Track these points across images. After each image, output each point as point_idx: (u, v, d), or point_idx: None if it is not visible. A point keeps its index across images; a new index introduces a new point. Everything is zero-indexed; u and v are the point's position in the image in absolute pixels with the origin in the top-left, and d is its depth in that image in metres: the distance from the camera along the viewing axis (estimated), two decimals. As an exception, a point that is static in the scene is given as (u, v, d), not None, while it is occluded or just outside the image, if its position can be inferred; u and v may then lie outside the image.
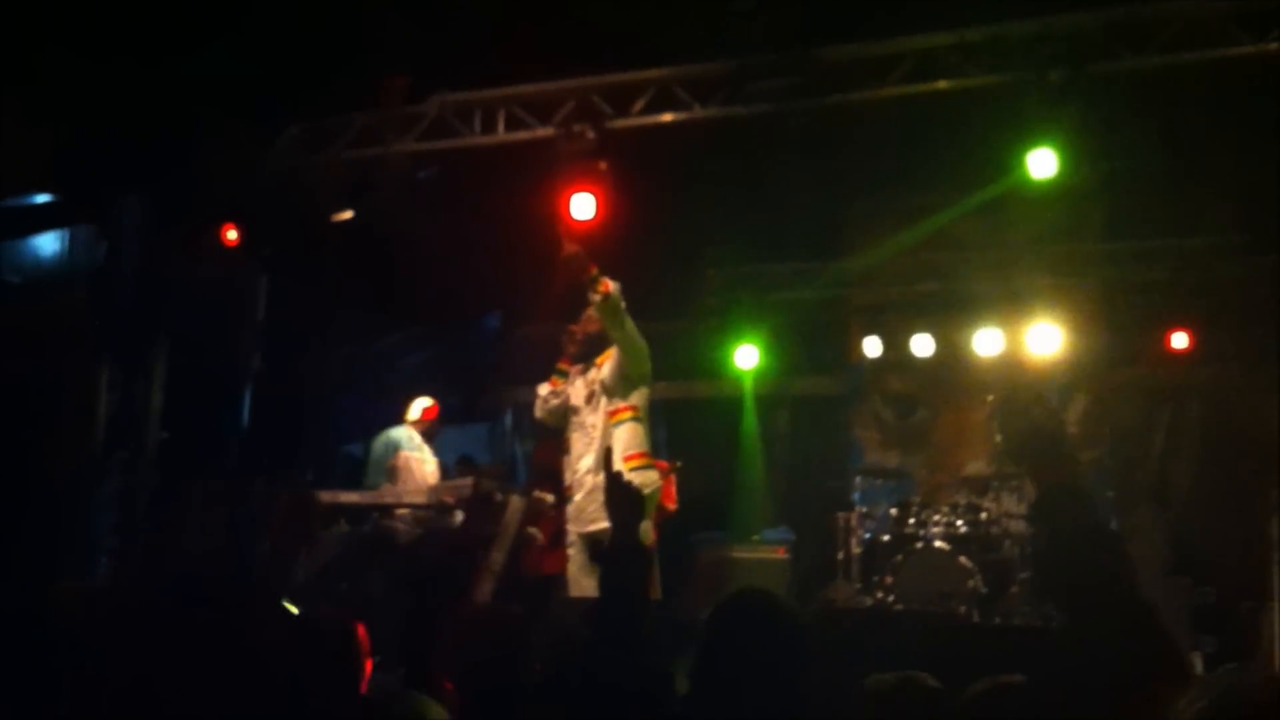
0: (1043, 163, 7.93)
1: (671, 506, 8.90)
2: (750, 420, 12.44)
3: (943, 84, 8.14)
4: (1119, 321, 11.72)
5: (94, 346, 8.97)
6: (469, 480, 8.47)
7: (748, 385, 12.29)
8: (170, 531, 9.29)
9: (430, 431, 9.64)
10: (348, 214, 9.30)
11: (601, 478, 6.58)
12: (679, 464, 9.25)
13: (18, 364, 8.61)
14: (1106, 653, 2.29)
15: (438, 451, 10.02)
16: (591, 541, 6.89)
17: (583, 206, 8.29)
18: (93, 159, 8.87)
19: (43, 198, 9.35)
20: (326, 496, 8.39)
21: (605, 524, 6.05)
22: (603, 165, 8.47)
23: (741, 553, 9.72)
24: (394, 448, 9.45)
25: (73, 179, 8.92)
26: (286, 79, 9.01)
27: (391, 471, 9.34)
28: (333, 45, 8.68)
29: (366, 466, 9.77)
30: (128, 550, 8.78)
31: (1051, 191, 9.44)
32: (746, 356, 11.84)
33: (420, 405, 9.62)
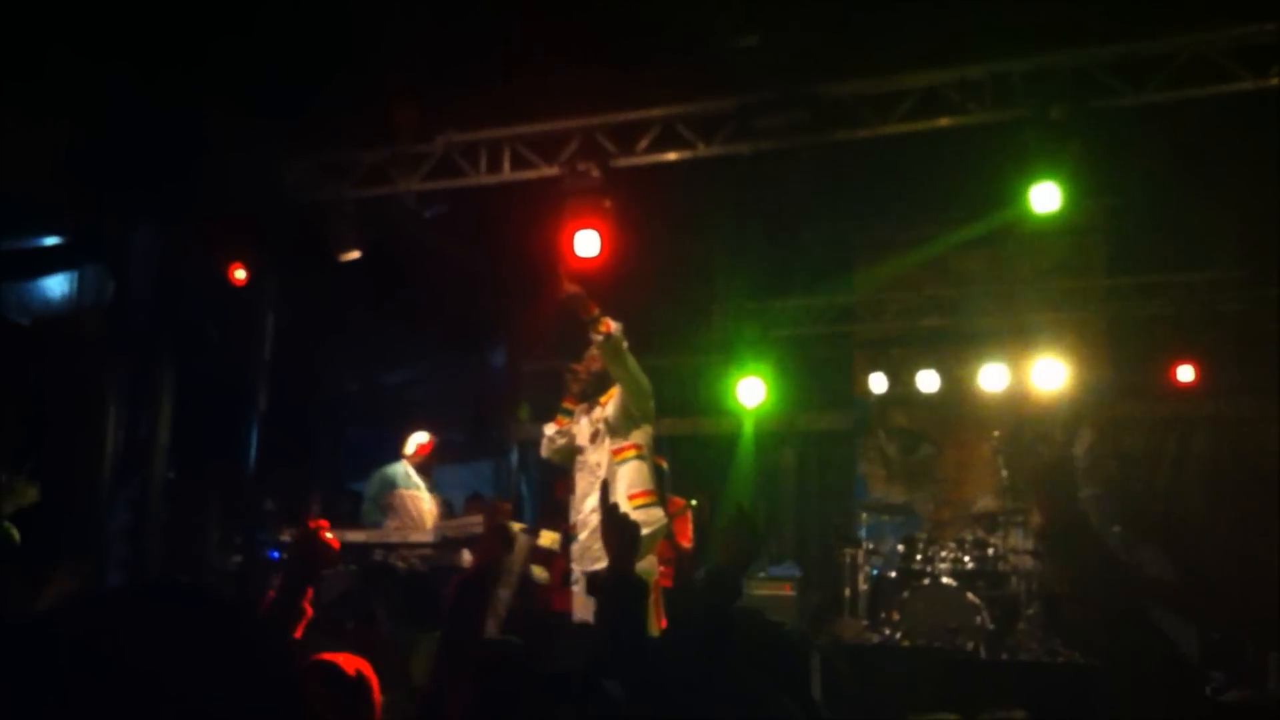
0: (1045, 197, 7.96)
1: (687, 545, 8.91)
2: (755, 456, 12.45)
3: (945, 121, 8.19)
4: (1123, 355, 11.75)
5: (101, 382, 9.00)
6: (477, 518, 8.45)
7: (753, 421, 12.31)
8: (182, 565, 9.32)
9: (426, 466, 9.57)
10: (355, 254, 9.34)
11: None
12: (694, 502, 9.27)
13: (24, 403, 8.65)
14: (1128, 685, 2.31)
15: (441, 487, 10.00)
16: (594, 579, 6.89)
17: (587, 244, 8.32)
18: (102, 198, 8.94)
19: (51, 240, 9.41)
20: (332, 534, 8.39)
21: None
22: (607, 203, 8.51)
23: (748, 588, 9.68)
24: (390, 485, 9.41)
25: (82, 219, 8.98)
26: (295, 116, 9.09)
27: (388, 509, 9.30)
28: (341, 83, 8.76)
29: (363, 504, 9.76)
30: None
31: (1055, 226, 9.50)
32: (751, 392, 11.85)
33: (415, 441, 9.58)
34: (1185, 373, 11.22)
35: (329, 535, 3.20)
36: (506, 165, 9.10)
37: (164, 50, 8.28)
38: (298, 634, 3.08)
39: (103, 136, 8.59)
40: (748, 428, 12.29)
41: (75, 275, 9.37)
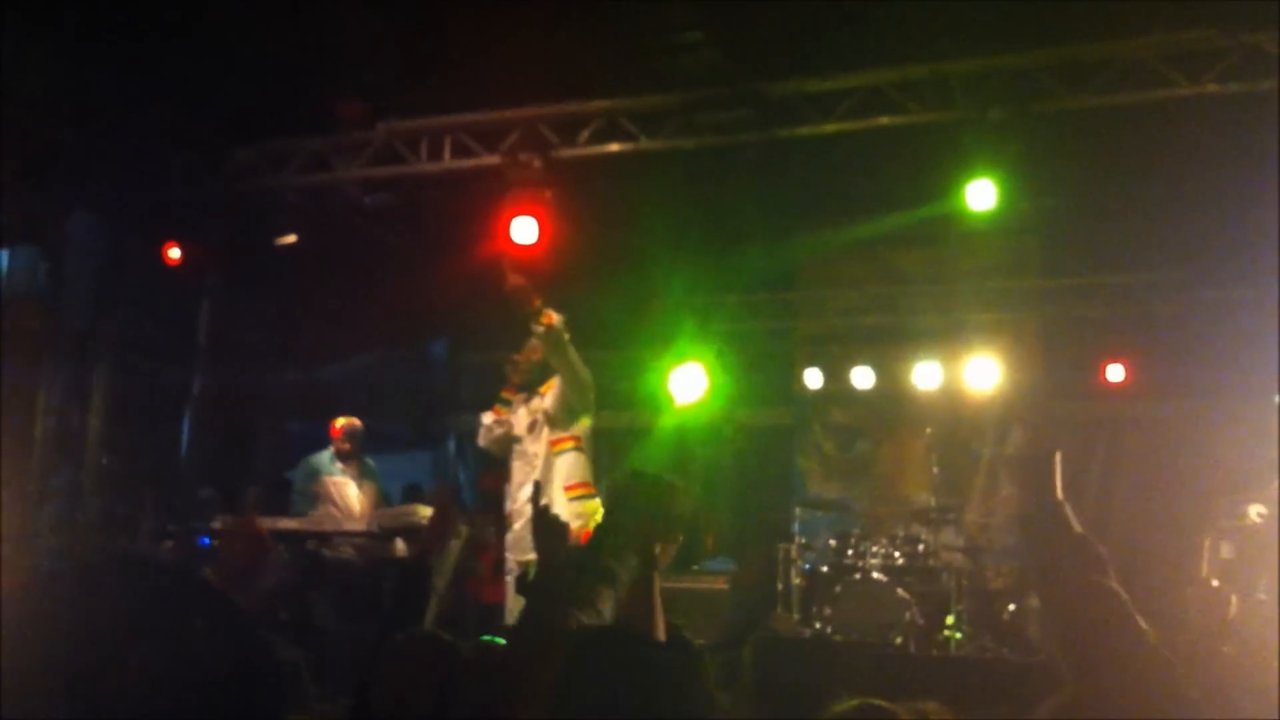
0: (982, 195, 8.05)
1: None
2: (694, 451, 12.47)
3: (885, 120, 8.25)
4: (1056, 356, 11.91)
5: (32, 369, 8.87)
6: (412, 508, 8.43)
7: (691, 415, 12.32)
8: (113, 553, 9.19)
9: (351, 452, 9.52)
10: (292, 238, 9.27)
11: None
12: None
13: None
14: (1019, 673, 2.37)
15: (379, 476, 9.95)
16: (523, 579, 6.91)
17: (524, 230, 8.32)
18: (37, 178, 8.80)
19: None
20: (267, 523, 8.34)
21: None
22: (549, 194, 8.51)
23: (681, 583, 9.72)
24: (315, 473, 9.35)
25: (16, 198, 8.84)
26: (237, 101, 9.00)
27: (315, 497, 9.25)
28: (282, 69, 8.68)
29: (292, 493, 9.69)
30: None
31: (992, 227, 9.60)
32: (685, 386, 11.85)
33: (338, 426, 9.54)
34: (1115, 372, 11.38)
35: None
36: (448, 154, 9.05)
37: (106, 36, 8.17)
38: None
39: (43, 121, 8.47)
40: (691, 421, 12.30)
41: (9, 255, 9.21)
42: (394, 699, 2.88)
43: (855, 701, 2.38)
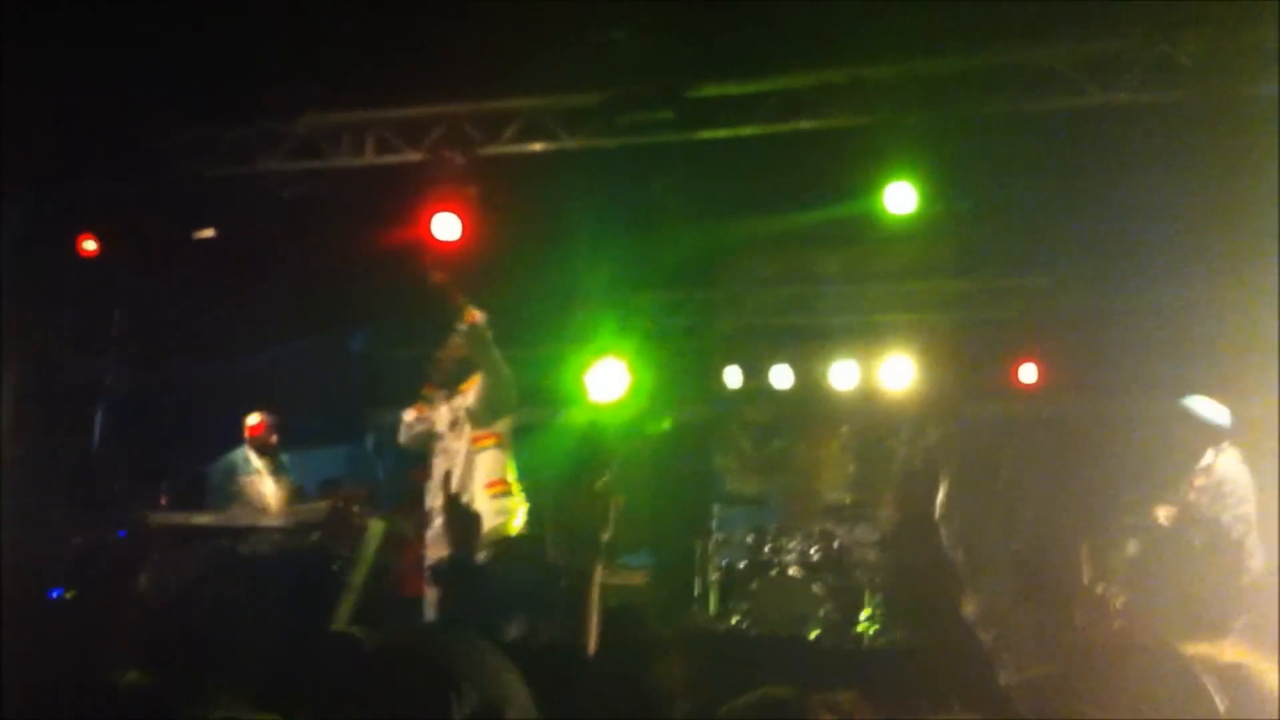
0: (900, 198, 8.19)
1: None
2: (612, 446, 12.51)
3: (805, 123, 8.35)
4: (970, 356, 12.08)
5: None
6: (327, 502, 8.42)
7: (610, 412, 12.36)
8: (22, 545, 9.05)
9: (265, 448, 9.47)
10: (210, 232, 9.19)
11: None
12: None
13: None
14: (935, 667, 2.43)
15: (296, 473, 9.89)
16: (435, 568, 6.93)
17: (446, 227, 8.33)
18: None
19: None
20: (180, 519, 8.28)
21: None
22: (472, 190, 8.52)
23: (604, 578, 9.76)
24: (231, 471, 9.30)
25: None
26: (155, 89, 8.88)
27: (231, 496, 9.19)
28: (202, 57, 8.58)
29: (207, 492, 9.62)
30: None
31: (907, 229, 9.74)
32: (603, 383, 11.90)
33: (249, 422, 9.49)
34: (1028, 373, 11.57)
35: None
36: (370, 149, 9.03)
37: (17, 17, 8.03)
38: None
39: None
40: (612, 418, 12.34)
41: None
42: (306, 696, 2.90)
43: (760, 691, 2.42)
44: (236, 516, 8.78)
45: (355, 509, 8.15)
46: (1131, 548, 9.15)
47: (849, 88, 8.23)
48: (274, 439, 9.50)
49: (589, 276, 11.51)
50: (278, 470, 9.48)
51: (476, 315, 6.95)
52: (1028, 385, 11.58)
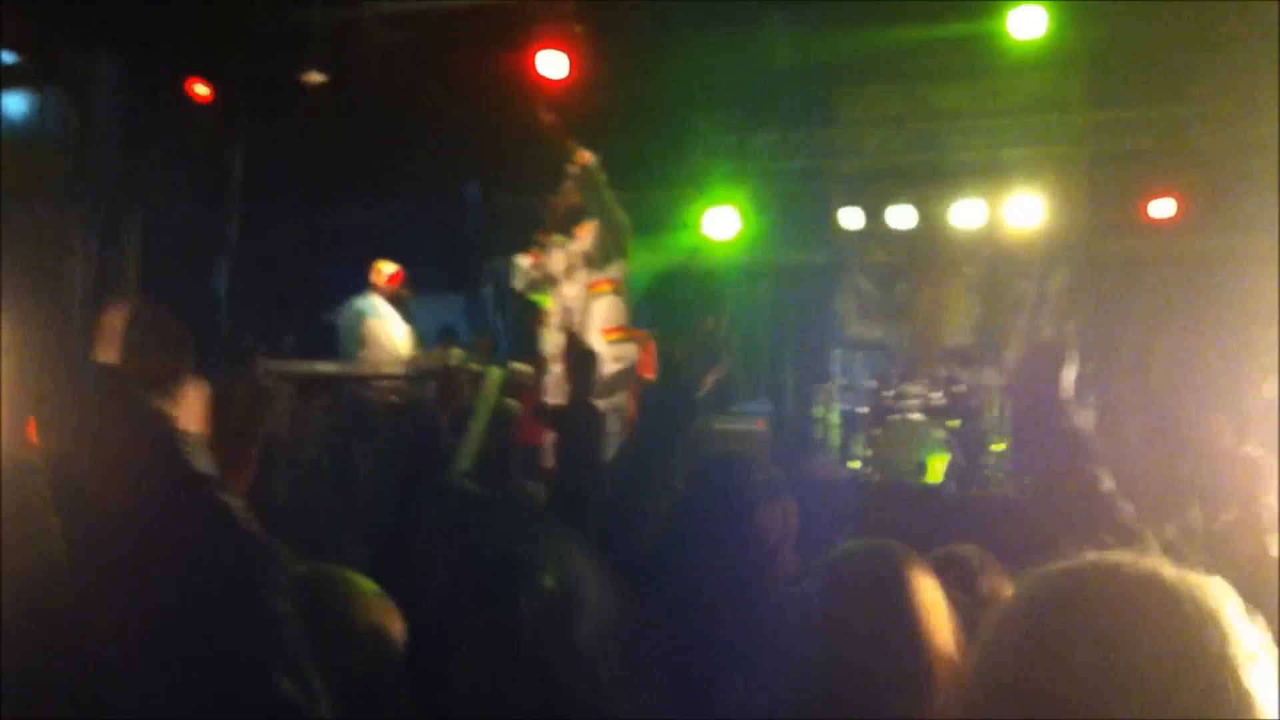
0: (1026, 22, 7.80)
1: (650, 377, 8.92)
2: (731, 292, 12.39)
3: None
4: (1102, 192, 11.66)
5: (66, 215, 8.83)
6: (448, 352, 8.45)
7: (727, 255, 12.22)
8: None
9: (395, 297, 9.50)
10: (318, 77, 9.12)
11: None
12: (656, 333, 9.28)
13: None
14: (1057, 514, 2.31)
15: (416, 320, 9.95)
16: (542, 409, 6.92)
17: (552, 64, 8.17)
18: (56, 18, 8.64)
19: (8, 57, 9.12)
20: (304, 367, 8.37)
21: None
22: (579, 28, 8.32)
23: (720, 424, 9.73)
24: (360, 316, 9.34)
25: (37, 36, 8.69)
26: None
27: (360, 341, 9.25)
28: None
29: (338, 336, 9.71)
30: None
31: (1035, 60, 9.32)
32: (724, 225, 11.73)
33: (385, 271, 9.50)
34: (1161, 208, 11.13)
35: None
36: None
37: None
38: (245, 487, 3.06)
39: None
40: (727, 261, 12.20)
41: (35, 98, 9.10)
42: (421, 549, 2.88)
43: (861, 542, 2.34)
44: (361, 364, 8.86)
45: (462, 364, 8.16)
46: (1268, 388, 8.87)
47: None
48: (406, 291, 9.54)
49: (702, 116, 11.27)
50: (407, 319, 9.54)
51: (588, 157, 6.81)
52: (1161, 220, 11.13)
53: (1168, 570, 1.30)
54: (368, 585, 2.10)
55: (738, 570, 2.71)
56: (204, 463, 1.36)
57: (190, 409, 1.42)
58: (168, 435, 1.38)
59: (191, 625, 1.27)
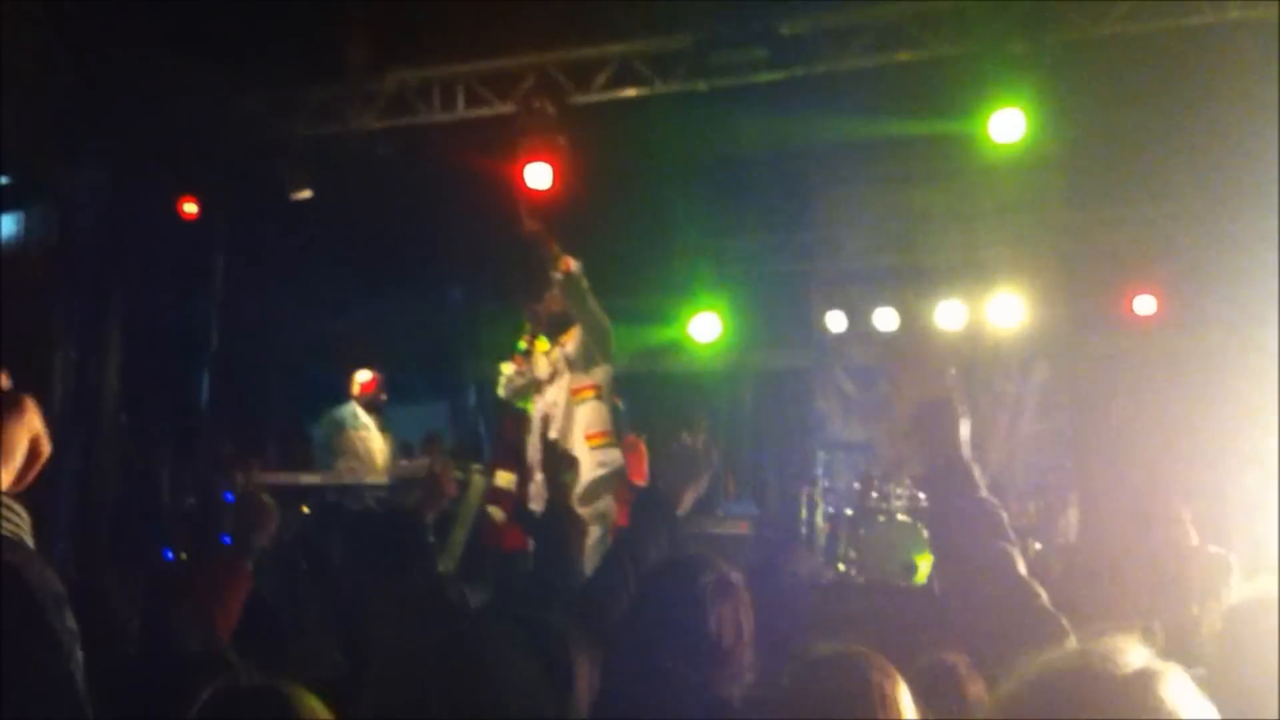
0: (1008, 126, 7.93)
1: (640, 481, 8.91)
2: (713, 395, 12.43)
3: (904, 55, 8.14)
4: (1082, 290, 11.75)
5: (48, 325, 8.83)
6: (429, 459, 8.42)
7: (710, 360, 12.27)
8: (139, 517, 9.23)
9: (373, 404, 9.50)
10: (307, 193, 9.21)
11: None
12: (646, 437, 9.29)
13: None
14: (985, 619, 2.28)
15: (399, 428, 9.93)
16: (527, 516, 6.88)
17: (538, 176, 8.27)
18: (44, 134, 8.74)
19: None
20: (286, 477, 8.34)
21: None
22: (563, 140, 8.44)
23: (704, 527, 9.69)
24: (339, 427, 9.33)
25: (24, 156, 8.78)
26: (243, 49, 8.90)
27: (338, 451, 9.23)
28: (288, 16, 8.57)
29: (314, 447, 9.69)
30: (91, 533, 8.71)
31: (1011, 162, 9.45)
32: (707, 329, 11.81)
33: (359, 379, 9.52)
34: (1145, 304, 11.22)
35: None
36: (461, 103, 8.97)
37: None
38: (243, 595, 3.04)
39: (46, 78, 8.40)
40: (709, 365, 12.25)
41: (21, 216, 9.17)
42: (393, 647, 2.86)
43: (832, 649, 2.31)
44: (342, 474, 8.83)
45: (448, 467, 8.14)
46: (1252, 476, 8.91)
47: (948, 16, 7.98)
48: (383, 396, 9.55)
49: (683, 222, 11.39)
50: (385, 426, 9.53)
51: (571, 264, 6.85)
52: (1145, 316, 11.21)
53: (1118, 663, 1.31)
54: (314, 704, 2.05)
55: (687, 674, 2.67)
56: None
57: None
58: None
59: None
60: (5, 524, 1.11)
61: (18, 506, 1.17)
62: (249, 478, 7.76)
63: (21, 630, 1.09)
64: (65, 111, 8.64)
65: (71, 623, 1.11)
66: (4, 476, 1.17)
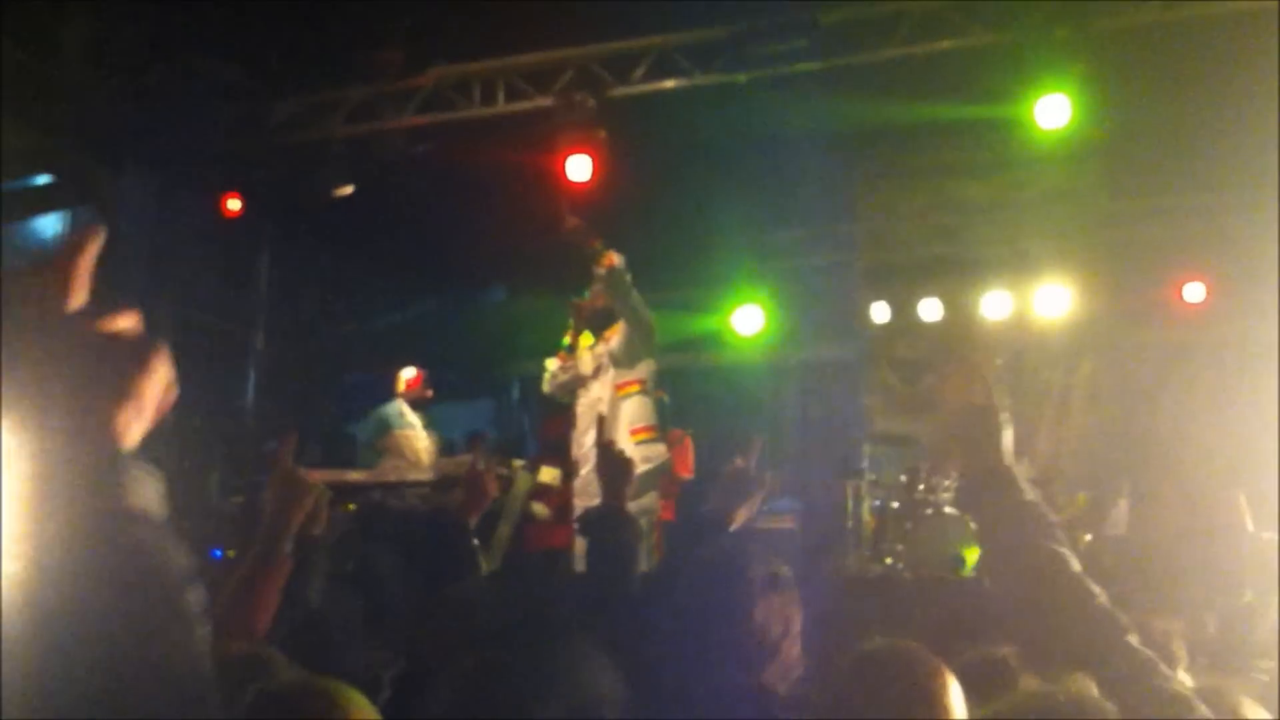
0: (1053, 112, 7.84)
1: (687, 475, 8.88)
2: (758, 389, 12.38)
3: (946, 43, 8.05)
4: (1130, 279, 11.61)
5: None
6: (473, 456, 8.43)
7: (754, 353, 12.22)
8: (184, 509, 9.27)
9: (418, 402, 9.51)
10: (348, 189, 9.23)
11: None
12: (692, 431, 9.26)
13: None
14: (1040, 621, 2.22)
15: (443, 427, 9.94)
16: (583, 517, 6.86)
17: (579, 168, 8.26)
18: (90, 138, 8.81)
19: (42, 179, 9.28)
20: (332, 476, 8.35)
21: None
22: (602, 133, 8.42)
23: (749, 522, 9.62)
24: (385, 426, 9.34)
25: (70, 158, 8.85)
26: (282, 51, 8.94)
27: (383, 450, 9.24)
28: (326, 16, 8.60)
29: (359, 447, 9.71)
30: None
31: (1055, 152, 9.35)
32: (750, 321, 11.76)
33: (404, 377, 9.52)
34: (1194, 292, 11.09)
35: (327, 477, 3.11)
36: (501, 97, 8.97)
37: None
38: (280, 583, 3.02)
39: (94, 82, 8.47)
40: (754, 359, 12.20)
41: (68, 216, 9.24)
42: (444, 652, 2.83)
43: (881, 644, 2.27)
44: (387, 472, 8.84)
45: (491, 464, 8.15)
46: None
47: (991, 3, 7.90)
48: (429, 393, 9.56)
49: (725, 215, 11.34)
50: (429, 425, 9.54)
51: (615, 258, 6.82)
52: (1194, 305, 11.07)
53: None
54: (360, 703, 2.03)
55: (734, 669, 2.64)
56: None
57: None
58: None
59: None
60: (133, 496, 1.05)
61: (151, 470, 1.10)
62: (284, 452, 7.80)
63: (149, 613, 1.05)
64: (108, 115, 8.69)
65: (201, 601, 1.07)
66: (135, 434, 1.10)
